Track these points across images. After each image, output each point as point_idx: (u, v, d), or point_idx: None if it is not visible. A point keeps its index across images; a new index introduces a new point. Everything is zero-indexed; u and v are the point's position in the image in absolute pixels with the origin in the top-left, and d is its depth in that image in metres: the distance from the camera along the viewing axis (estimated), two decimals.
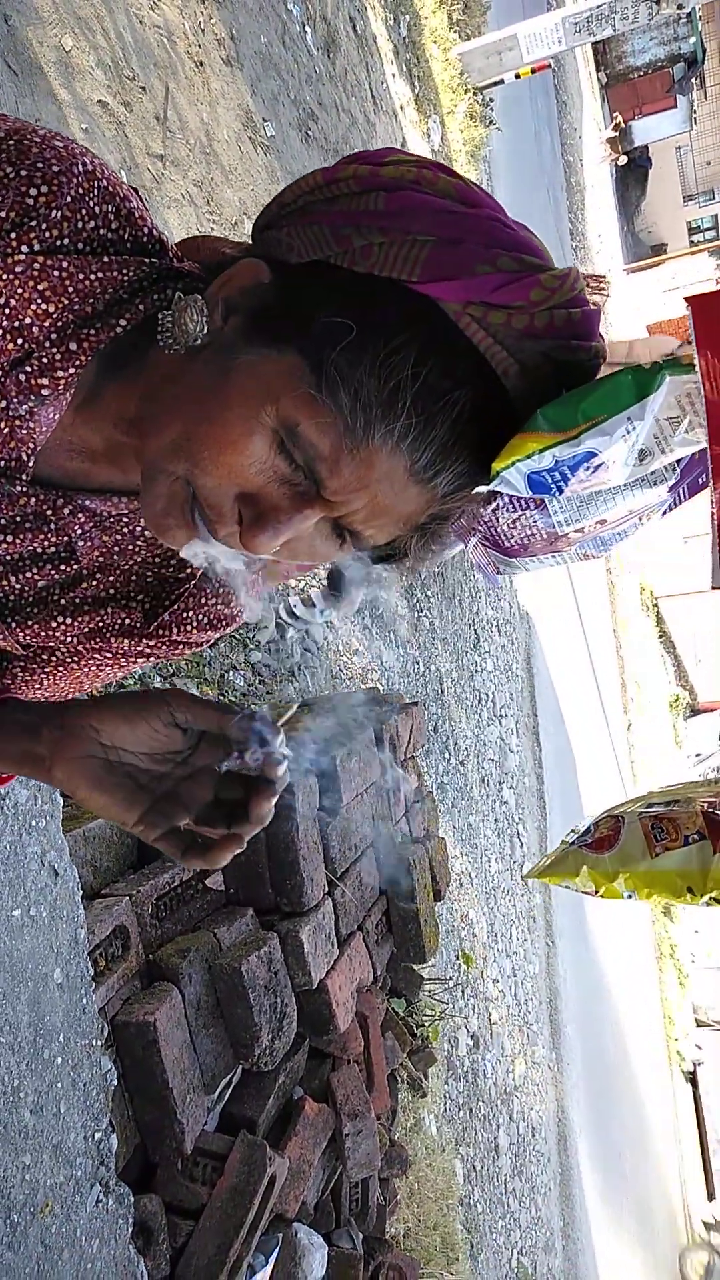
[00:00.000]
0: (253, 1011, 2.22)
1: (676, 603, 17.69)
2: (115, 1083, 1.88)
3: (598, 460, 0.53)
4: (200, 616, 0.93)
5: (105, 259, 0.68)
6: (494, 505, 0.91)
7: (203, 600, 0.93)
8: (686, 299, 0.47)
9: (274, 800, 0.76)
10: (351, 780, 2.74)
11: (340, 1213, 2.70)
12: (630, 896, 0.93)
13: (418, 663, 5.70)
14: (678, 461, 0.85)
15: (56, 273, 0.62)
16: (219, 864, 0.77)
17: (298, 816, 2.40)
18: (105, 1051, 1.88)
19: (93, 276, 0.67)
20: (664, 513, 1.10)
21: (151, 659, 0.96)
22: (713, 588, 1.10)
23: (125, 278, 0.69)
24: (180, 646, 0.96)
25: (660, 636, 17.46)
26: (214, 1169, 2.19)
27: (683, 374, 0.51)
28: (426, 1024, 3.62)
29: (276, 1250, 2.30)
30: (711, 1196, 11.17)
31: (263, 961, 2.27)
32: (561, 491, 0.56)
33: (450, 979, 4.85)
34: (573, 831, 1.41)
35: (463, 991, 5.55)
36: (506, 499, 0.94)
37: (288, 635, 4.19)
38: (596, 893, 0.96)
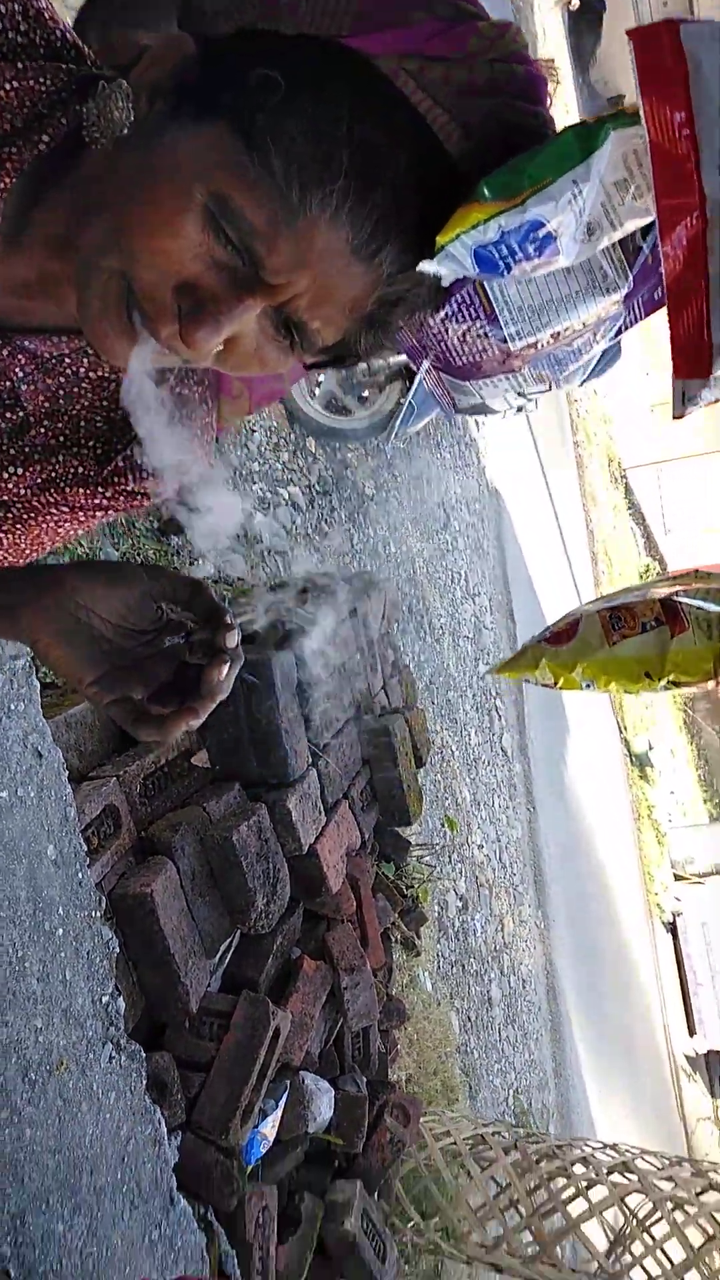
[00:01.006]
0: (246, 878, 2.29)
1: (644, 472, 17.64)
2: (118, 951, 1.95)
3: (545, 231, 0.51)
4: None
5: (18, 66, 0.63)
6: (443, 313, 0.89)
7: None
8: (628, 32, 0.44)
9: (227, 672, 0.76)
10: (328, 654, 2.77)
11: (344, 1060, 2.86)
12: (589, 686, 0.95)
13: (389, 543, 5.68)
14: (629, 263, 0.82)
15: None
16: (171, 735, 0.77)
17: (277, 692, 2.43)
18: (105, 922, 1.94)
19: (5, 88, 0.63)
20: (618, 331, 1.07)
21: (110, 513, 0.94)
22: (675, 417, 1.08)
23: (42, 88, 0.64)
24: (139, 498, 0.95)
25: (629, 508, 17.44)
26: (220, 1026, 2.30)
27: (628, 127, 0.48)
28: (416, 886, 3.76)
29: (285, 1095, 2.44)
30: (692, 1032, 11.90)
31: (253, 830, 2.33)
32: (510, 269, 0.54)
33: (437, 845, 5.02)
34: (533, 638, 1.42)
35: (449, 857, 5.76)
36: (455, 307, 0.92)
37: (254, 520, 4.16)
38: (555, 684, 0.98)
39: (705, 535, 17.97)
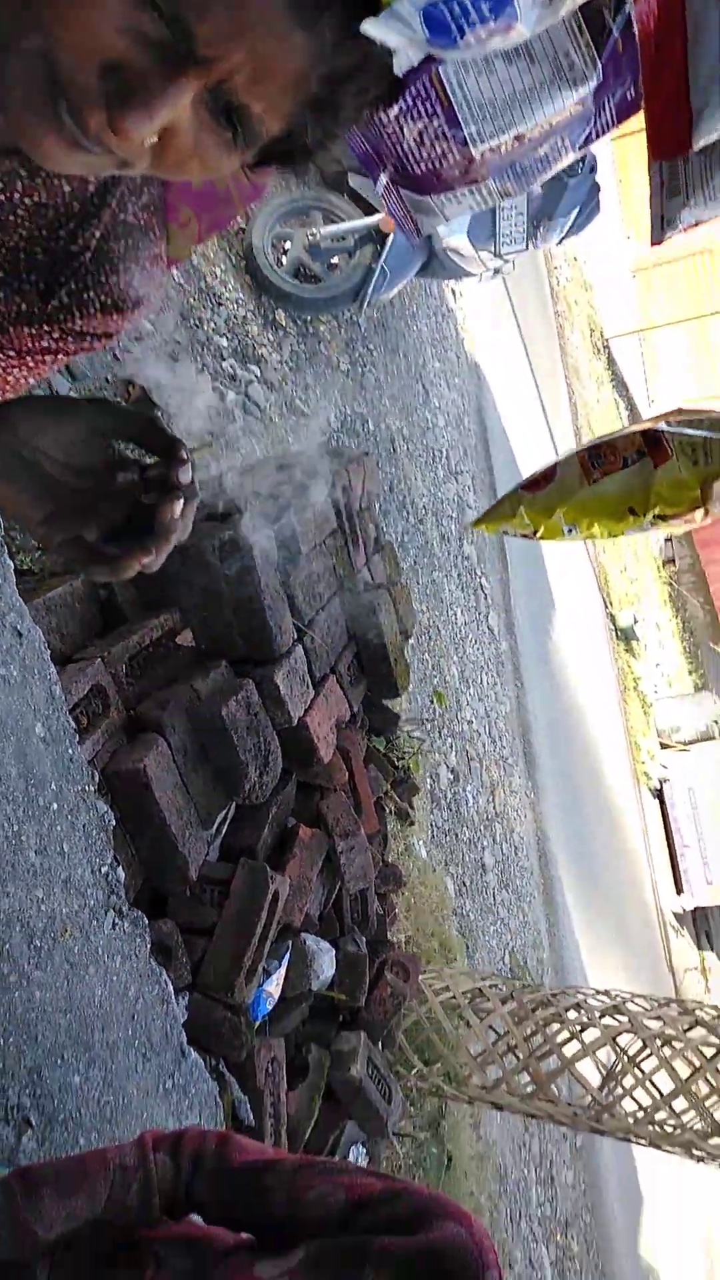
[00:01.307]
0: (237, 751, 2.31)
1: (627, 341, 17.19)
2: (114, 824, 1.98)
3: None
4: (101, 297, 0.86)
5: None
6: (398, 109, 0.82)
7: (101, 278, 0.86)
8: None
9: (182, 509, 0.73)
10: (308, 531, 2.73)
11: (343, 922, 2.96)
12: (571, 531, 0.93)
13: (366, 421, 5.55)
14: (598, 50, 0.76)
15: None
16: (124, 573, 0.74)
17: (257, 565, 2.40)
18: (100, 797, 1.96)
19: None
20: (586, 139, 1.00)
21: (60, 356, 0.90)
22: (653, 243, 1.02)
23: None
24: (88, 339, 0.90)
25: (612, 380, 17.07)
26: (220, 893, 2.37)
27: None
28: (407, 758, 3.83)
29: (287, 955, 2.53)
30: (680, 891, 12.38)
31: (241, 705, 2.34)
32: (463, 33, 0.49)
33: (427, 720, 5.09)
34: None
35: (439, 731, 5.86)
36: (410, 101, 0.86)
37: (227, 399, 4.04)
38: (535, 534, 0.95)
39: (690, 404, 17.64)
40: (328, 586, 2.83)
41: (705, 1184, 10.10)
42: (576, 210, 4.90)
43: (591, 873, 9.81)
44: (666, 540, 18.35)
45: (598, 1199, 7.49)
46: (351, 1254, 1.01)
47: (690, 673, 17.78)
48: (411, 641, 5.67)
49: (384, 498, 5.64)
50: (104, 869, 1.90)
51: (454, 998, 3.87)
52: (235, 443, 3.95)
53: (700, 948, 13.22)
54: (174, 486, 0.71)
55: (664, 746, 13.66)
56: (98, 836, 1.91)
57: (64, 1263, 1.07)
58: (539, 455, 11.11)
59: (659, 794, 12.96)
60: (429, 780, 5.59)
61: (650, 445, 0.90)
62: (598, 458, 0.90)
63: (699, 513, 0.86)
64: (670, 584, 18.36)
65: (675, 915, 12.66)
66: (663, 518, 0.87)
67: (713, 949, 13.29)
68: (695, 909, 12.70)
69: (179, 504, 0.71)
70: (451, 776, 6.08)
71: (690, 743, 13.69)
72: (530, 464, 10.32)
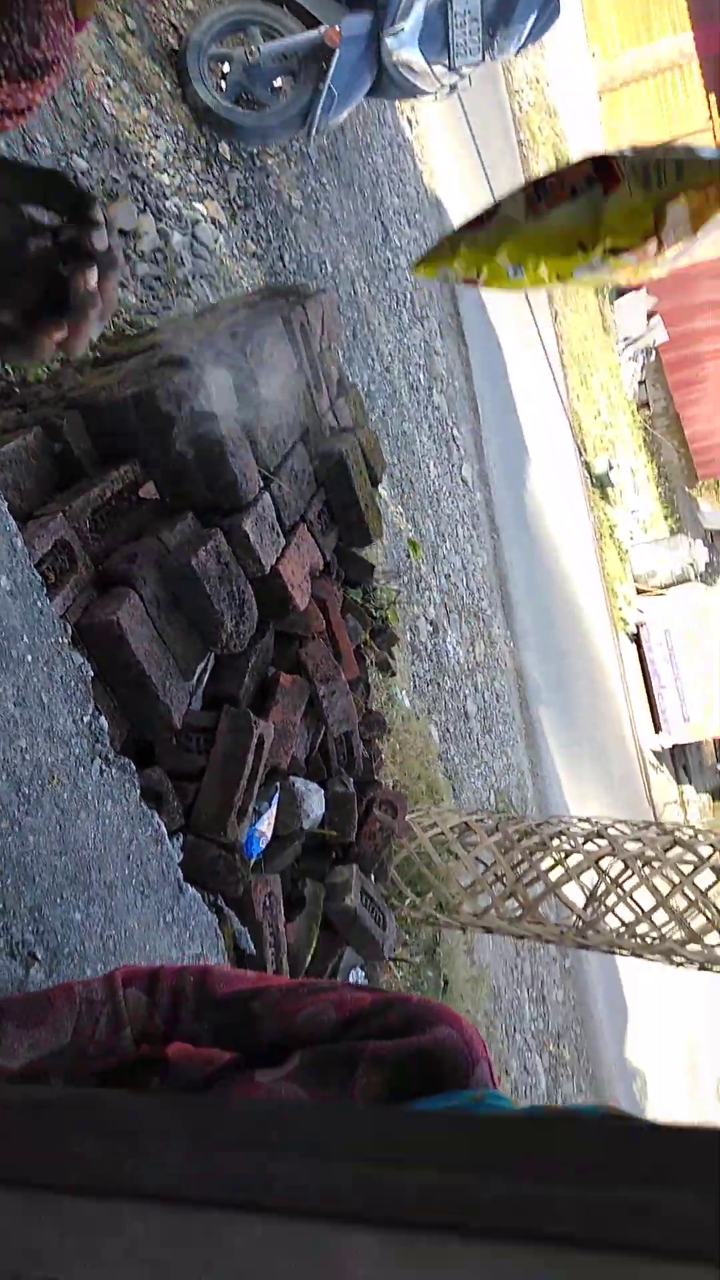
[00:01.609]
0: (211, 601, 2.30)
1: None
2: (92, 675, 1.98)
3: None
4: (5, 61, 0.79)
5: None
6: None
7: (3, 38, 0.78)
8: None
9: (98, 279, 0.67)
10: (267, 373, 2.63)
11: (330, 765, 3.02)
12: (517, 273, 0.86)
13: (324, 262, 5.30)
14: None
15: None
16: (40, 355, 0.69)
17: (217, 412, 2.32)
18: (75, 649, 1.96)
19: None
20: None
21: None
22: None
23: None
24: (2, 118, 0.83)
25: None
26: (206, 740, 2.40)
27: None
28: (385, 608, 3.84)
29: (276, 796, 2.59)
30: (658, 730, 12.74)
31: (211, 554, 2.31)
32: None
33: (404, 574, 5.08)
34: None
35: (417, 584, 5.87)
36: None
37: (172, 240, 3.83)
38: (478, 279, 0.89)
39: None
40: (291, 432, 2.75)
41: (682, 990, 10.83)
42: (534, 14, 4.54)
43: (572, 716, 10.06)
44: (640, 383, 17.99)
45: (586, 1013, 8.03)
46: (345, 1059, 1.04)
47: (666, 518, 17.78)
48: (385, 495, 5.60)
49: (348, 345, 5.44)
50: (86, 718, 1.91)
51: (442, 833, 4.02)
52: (187, 287, 3.76)
53: (679, 782, 13.75)
54: (88, 254, 0.65)
55: (640, 592, 13.79)
56: (76, 687, 1.91)
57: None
58: (508, 296, 10.72)
59: (636, 638, 13.17)
60: (409, 633, 5.64)
61: (600, 171, 0.83)
62: (543, 190, 0.83)
63: (652, 245, 0.79)
64: (645, 429, 18.11)
65: (654, 753, 13.10)
66: (614, 252, 0.81)
67: (690, 783, 13.82)
68: (673, 746, 13.13)
69: (93, 273, 0.65)
70: (431, 628, 6.13)
71: (666, 587, 13.83)
72: (499, 306, 9.97)
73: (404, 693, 5.18)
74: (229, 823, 2.29)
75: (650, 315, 17.14)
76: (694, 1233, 0.31)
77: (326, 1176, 0.36)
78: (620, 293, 17.17)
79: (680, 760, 13.67)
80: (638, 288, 17.06)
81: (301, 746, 2.76)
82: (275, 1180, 0.37)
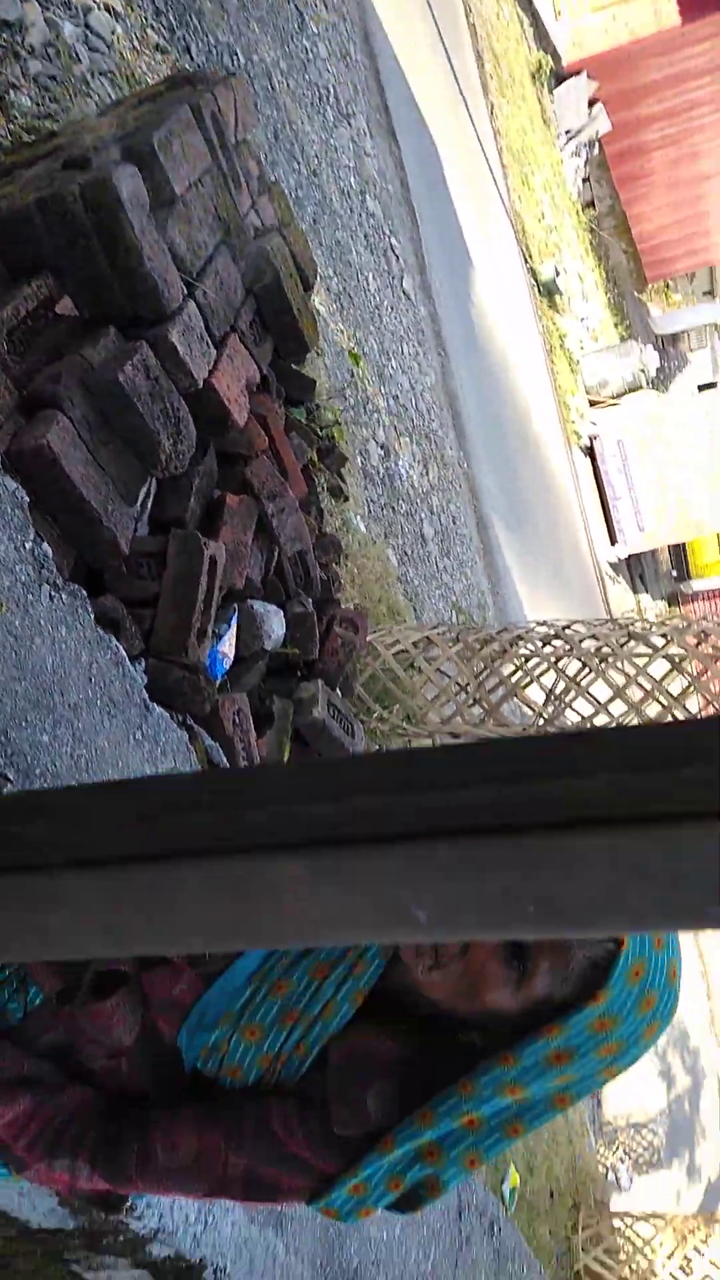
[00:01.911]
0: (145, 419, 2.21)
1: None
2: (28, 501, 1.93)
3: None
4: None
5: None
6: None
7: None
8: None
9: None
10: (179, 168, 2.44)
11: (287, 586, 3.02)
12: None
13: (235, 53, 4.85)
14: None
15: None
16: None
17: (127, 208, 2.16)
18: (6, 474, 1.89)
19: None
20: None
21: None
22: None
23: None
24: None
25: None
26: (156, 565, 2.37)
27: None
28: (330, 427, 3.74)
29: (234, 618, 2.60)
30: (614, 542, 12.87)
31: (139, 369, 2.21)
32: None
33: (349, 394, 4.92)
34: None
35: (364, 407, 5.72)
36: None
37: (64, 32, 3.46)
38: None
39: (596, 14, 15.77)
40: (212, 233, 2.58)
41: None
42: None
43: (529, 534, 10.10)
44: (584, 181, 17.10)
45: None
46: None
47: (616, 325, 17.34)
48: (323, 311, 5.36)
49: (270, 147, 5.06)
50: (28, 545, 1.87)
51: (405, 650, 4.08)
52: (87, 86, 3.43)
53: (635, 592, 14.02)
54: None
55: (593, 404, 13.59)
56: (14, 514, 1.86)
57: None
58: (439, 89, 9.96)
59: (590, 451, 13.09)
60: (360, 457, 5.53)
61: None
62: None
63: None
64: (591, 230, 17.35)
65: (611, 565, 13.28)
66: None
67: (646, 591, 14.10)
68: (629, 557, 13.31)
69: None
70: (382, 452, 6.02)
71: (618, 396, 13.62)
72: (431, 101, 9.28)
73: (359, 518, 5.14)
74: (189, 644, 2.30)
75: (592, 103, 16.10)
76: (593, 803, 0.31)
77: (255, 817, 0.36)
78: (559, 79, 16.04)
79: (636, 570, 13.91)
80: (577, 71, 15.94)
81: (256, 568, 2.75)
82: (204, 828, 0.37)
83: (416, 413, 7.17)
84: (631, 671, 3.81)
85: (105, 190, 2.17)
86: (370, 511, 5.49)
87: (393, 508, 6.00)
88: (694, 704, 4.04)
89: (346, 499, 4.66)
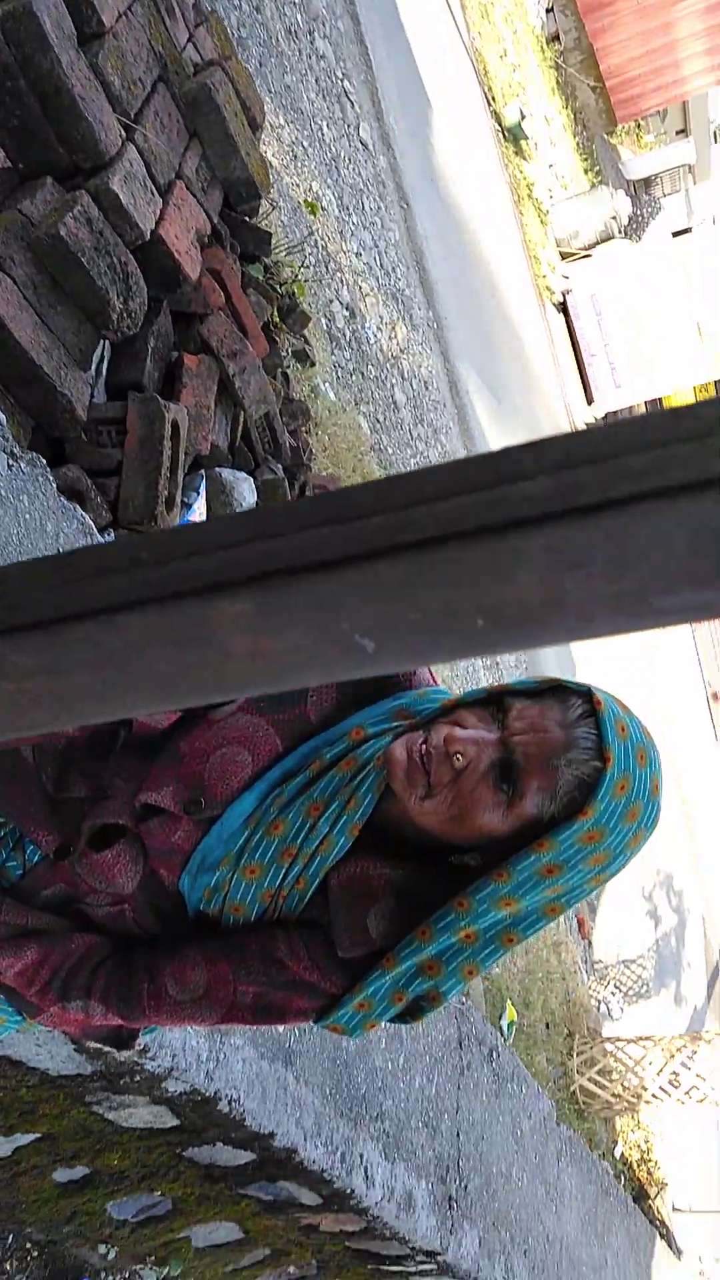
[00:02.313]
0: (91, 276, 2.11)
1: None
2: None
3: None
4: None
5: None
6: None
7: None
8: None
9: None
10: None
11: (255, 453, 2.96)
12: None
13: None
14: None
15: None
16: None
17: (52, 40, 2.00)
18: None
19: None
20: None
21: None
22: None
23: None
24: None
25: None
26: (118, 432, 2.31)
27: None
28: (290, 283, 3.58)
29: (203, 485, 2.55)
30: (590, 401, 12.64)
31: (81, 222, 2.09)
32: None
33: (306, 248, 4.69)
34: None
35: (325, 265, 5.48)
36: None
37: None
38: None
39: None
40: (148, 69, 2.40)
41: None
42: None
43: (505, 397, 9.89)
44: (548, 11, 16.00)
45: None
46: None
47: (586, 172, 16.56)
48: (276, 164, 5.06)
49: None
50: None
51: None
52: None
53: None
54: None
55: (564, 257, 13.10)
56: None
57: None
58: None
59: (563, 307, 12.69)
60: (324, 320, 5.33)
61: None
62: None
63: None
64: (557, 66, 16.35)
65: (587, 424, 13.08)
66: None
67: None
68: (606, 414, 13.09)
69: None
70: (348, 314, 5.81)
71: (590, 247, 13.12)
72: None
73: (327, 385, 4.99)
74: (157, 512, 2.26)
75: None
76: (530, 503, 0.30)
77: (196, 563, 0.35)
78: None
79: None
80: None
81: (221, 433, 2.68)
82: (141, 581, 0.36)
83: (382, 271, 6.89)
84: None
85: (26, 22, 2.00)
86: (339, 377, 5.33)
87: (362, 373, 5.83)
88: None
89: (313, 364, 4.51)
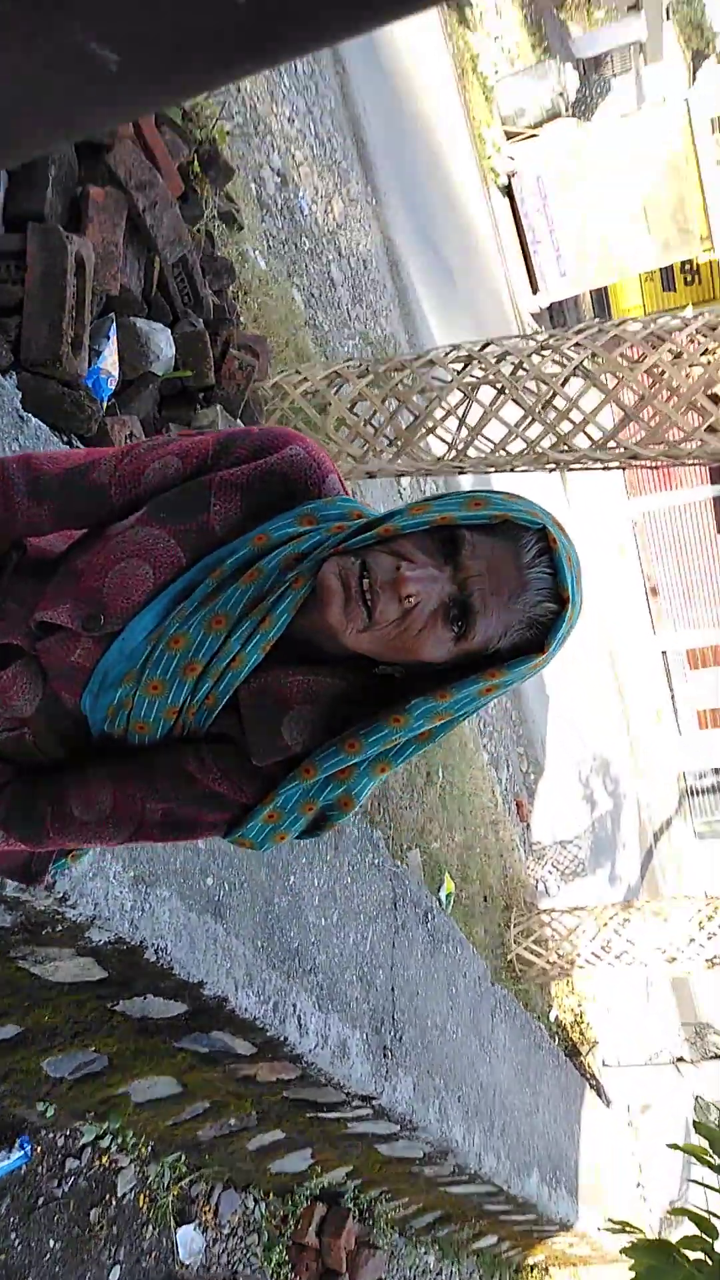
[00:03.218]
0: None
1: None
2: None
3: None
4: None
5: None
6: None
7: None
8: None
9: None
10: None
11: (174, 305, 2.80)
12: None
13: None
14: None
15: None
16: None
17: None
18: None
19: None
20: None
21: None
22: None
23: None
24: None
25: None
26: (18, 267, 2.15)
27: None
28: (210, 128, 3.36)
29: (113, 330, 2.41)
30: (535, 290, 12.36)
31: None
32: None
33: (227, 102, 4.38)
34: None
35: (255, 128, 5.17)
36: None
37: None
38: None
39: None
40: None
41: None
42: None
43: (447, 281, 9.61)
44: None
45: None
46: (195, 493, 1.01)
47: (533, 49, 15.84)
48: None
49: None
50: None
51: (314, 388, 3.90)
52: None
53: None
54: None
55: (509, 136, 12.62)
56: None
57: None
58: None
59: (508, 190, 12.29)
60: (254, 186, 5.06)
61: None
62: None
63: None
64: None
65: (533, 316, 12.83)
66: None
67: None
68: (550, 305, 12.85)
69: None
70: (279, 180, 5.52)
71: (537, 126, 12.64)
72: None
73: (258, 253, 4.76)
74: (63, 354, 2.13)
75: None
76: None
77: None
78: None
79: (559, 319, 13.48)
80: None
81: (133, 278, 2.52)
82: None
83: (316, 140, 6.54)
84: (544, 392, 3.71)
85: None
86: (270, 247, 5.09)
87: (295, 244, 5.58)
88: (607, 418, 4.00)
89: (240, 228, 4.28)
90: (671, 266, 12.86)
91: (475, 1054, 3.87)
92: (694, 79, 15.29)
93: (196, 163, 3.21)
